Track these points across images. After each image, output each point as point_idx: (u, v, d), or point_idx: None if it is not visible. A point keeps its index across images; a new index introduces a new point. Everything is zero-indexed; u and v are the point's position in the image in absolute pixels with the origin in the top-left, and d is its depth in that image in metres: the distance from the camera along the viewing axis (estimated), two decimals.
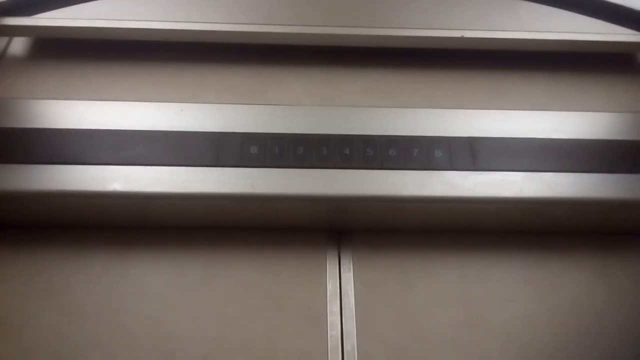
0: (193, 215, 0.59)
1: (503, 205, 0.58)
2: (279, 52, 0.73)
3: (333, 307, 0.56)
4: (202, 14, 0.72)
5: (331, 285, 0.58)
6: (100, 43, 0.72)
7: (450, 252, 0.60)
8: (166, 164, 0.57)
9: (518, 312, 0.57)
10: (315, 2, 0.76)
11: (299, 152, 0.58)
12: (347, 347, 0.54)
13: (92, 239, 0.59)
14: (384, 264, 0.59)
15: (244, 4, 0.74)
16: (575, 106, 0.70)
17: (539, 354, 0.55)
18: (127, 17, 0.70)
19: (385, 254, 0.60)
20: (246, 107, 0.62)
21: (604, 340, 0.56)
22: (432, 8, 0.76)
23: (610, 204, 0.58)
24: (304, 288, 0.57)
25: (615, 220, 0.61)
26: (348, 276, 0.58)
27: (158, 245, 0.59)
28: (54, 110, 0.61)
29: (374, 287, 0.58)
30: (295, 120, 0.61)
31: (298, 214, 0.60)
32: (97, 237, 0.59)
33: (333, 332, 0.55)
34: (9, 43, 0.74)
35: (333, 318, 0.56)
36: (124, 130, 0.59)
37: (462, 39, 0.71)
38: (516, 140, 0.60)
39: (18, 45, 0.74)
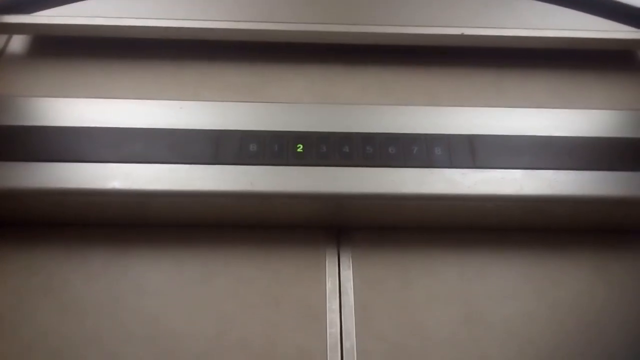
0: (192, 213, 0.59)
1: (503, 202, 0.58)
2: (278, 49, 0.73)
3: (332, 305, 0.56)
4: (202, 11, 0.72)
5: (330, 283, 0.58)
6: (99, 41, 0.72)
7: (449, 250, 0.60)
8: (165, 162, 0.57)
9: (518, 309, 0.57)
10: (315, 0, 0.76)
11: (299, 149, 0.58)
12: (346, 344, 0.54)
13: (92, 236, 0.59)
14: (384, 261, 0.59)
15: (243, 1, 0.74)
16: (575, 104, 0.70)
17: (539, 351, 0.55)
18: (126, 14, 0.70)
19: (384, 252, 0.60)
20: (246, 104, 0.62)
21: (604, 337, 0.56)
22: (432, 5, 0.75)
23: (610, 201, 0.58)
24: (303, 285, 0.57)
25: (615, 217, 0.61)
26: (347, 274, 0.58)
27: (157, 243, 0.59)
28: (53, 108, 0.61)
29: (374, 284, 0.58)
30: (295, 118, 0.61)
31: (297, 212, 0.60)
32: (97, 234, 0.59)
33: (332, 329, 0.55)
34: (8, 41, 0.74)
35: (332, 315, 0.56)
36: (124, 128, 0.59)
37: (462, 36, 0.71)
38: (516, 137, 0.60)
39: (17, 43, 0.74)
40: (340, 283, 0.58)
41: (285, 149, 0.58)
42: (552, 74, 0.73)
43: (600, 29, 0.73)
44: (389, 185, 0.57)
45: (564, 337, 0.56)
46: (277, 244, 0.60)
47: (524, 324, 0.56)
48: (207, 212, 0.59)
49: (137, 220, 0.60)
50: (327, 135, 0.59)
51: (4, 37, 0.74)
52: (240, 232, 0.60)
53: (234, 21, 0.70)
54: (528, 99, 0.70)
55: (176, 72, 0.70)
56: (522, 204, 0.58)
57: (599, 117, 0.64)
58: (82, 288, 0.56)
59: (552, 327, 0.56)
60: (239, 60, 0.72)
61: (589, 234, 0.62)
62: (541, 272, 0.59)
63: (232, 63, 0.72)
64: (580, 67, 0.74)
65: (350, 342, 0.54)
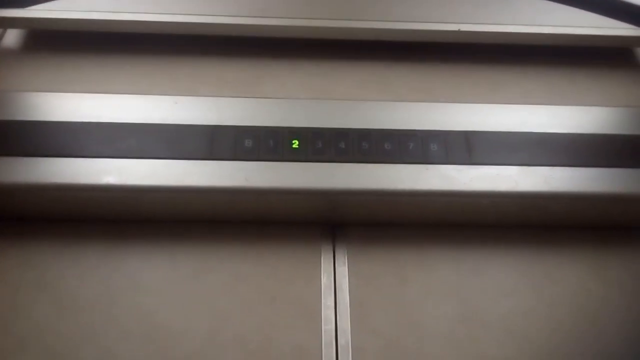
0: (187, 209, 0.59)
1: (498, 199, 0.58)
2: (274, 45, 0.72)
3: (327, 301, 0.56)
4: (197, 6, 0.71)
5: (326, 279, 0.58)
6: (94, 35, 0.71)
7: (445, 246, 0.60)
8: (160, 157, 0.57)
9: (514, 306, 0.57)
10: None
11: (294, 145, 0.58)
12: (341, 341, 0.54)
13: (86, 232, 0.59)
14: (379, 258, 0.59)
15: None
16: (572, 100, 0.70)
17: (535, 348, 0.55)
18: (121, 9, 0.70)
19: (380, 248, 0.60)
20: (241, 100, 0.62)
21: (601, 334, 0.56)
22: (428, 1, 0.75)
23: (607, 198, 0.58)
24: (298, 282, 0.57)
25: (612, 214, 0.61)
26: (343, 270, 0.58)
27: (152, 239, 0.59)
28: (47, 103, 0.61)
29: (369, 281, 0.58)
30: (290, 114, 0.61)
31: (293, 208, 0.59)
32: (91, 230, 0.59)
33: (327, 326, 0.55)
34: (2, 35, 0.74)
35: (327, 312, 0.56)
36: (118, 123, 0.59)
37: (458, 32, 0.71)
38: (512, 134, 0.60)
39: (12, 37, 0.73)
40: (335, 279, 0.58)
41: (281, 145, 0.58)
42: (549, 71, 0.73)
43: (598, 26, 0.73)
44: (384, 181, 0.57)
45: (561, 334, 0.55)
46: (272, 240, 0.59)
47: (521, 321, 0.56)
48: (201, 207, 0.59)
49: (131, 215, 0.60)
50: (323, 131, 0.59)
51: None
52: (235, 228, 0.60)
53: (229, 16, 0.70)
54: (525, 95, 0.70)
55: (171, 67, 0.70)
56: (518, 200, 0.58)
57: (595, 114, 0.63)
58: (76, 283, 0.56)
59: (549, 324, 0.56)
60: (234, 55, 0.72)
61: (585, 230, 0.62)
62: (538, 269, 0.59)
63: (227, 58, 0.71)
64: (577, 64, 0.74)
65: (346, 338, 0.54)
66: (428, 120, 0.61)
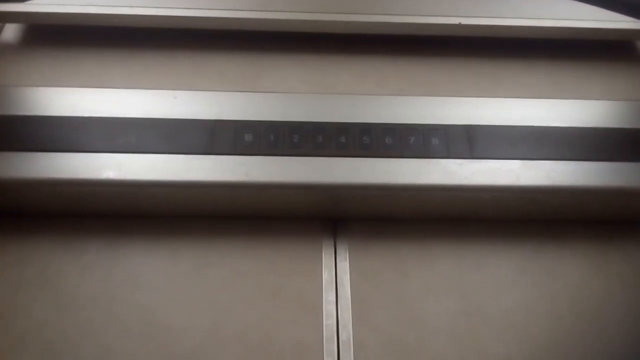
0: (187, 204, 0.59)
1: (500, 193, 0.58)
2: (274, 39, 0.72)
3: (329, 297, 0.56)
4: (196, 0, 0.71)
5: (327, 275, 0.57)
6: (93, 30, 0.71)
7: (446, 241, 0.60)
8: (160, 152, 0.57)
9: (515, 301, 0.57)
10: None
11: (295, 140, 0.58)
12: (342, 336, 0.54)
13: (85, 227, 0.59)
14: (380, 252, 0.59)
15: None
16: (574, 94, 0.70)
17: (536, 343, 0.54)
18: (121, 3, 0.69)
19: (381, 243, 0.60)
20: (241, 94, 0.62)
21: (602, 329, 0.55)
22: None
23: (609, 192, 0.58)
24: (299, 277, 0.57)
25: (614, 208, 0.61)
26: (344, 265, 0.58)
27: (152, 234, 0.59)
28: (46, 98, 0.61)
29: (370, 276, 0.58)
30: (291, 108, 0.61)
31: (293, 203, 0.59)
32: (90, 225, 0.59)
33: (329, 321, 0.55)
34: (1, 29, 0.73)
35: (329, 307, 0.56)
36: (118, 117, 0.59)
37: (459, 26, 0.70)
38: (513, 128, 0.60)
39: (10, 32, 0.73)
40: (336, 275, 0.58)
41: (281, 139, 0.58)
42: (550, 64, 0.73)
43: (599, 19, 0.72)
44: (385, 175, 0.57)
45: (562, 329, 0.55)
46: (273, 235, 0.59)
47: (521, 316, 0.56)
48: (202, 202, 0.59)
49: (131, 211, 0.59)
50: (324, 126, 0.59)
51: None
52: (235, 224, 0.60)
53: (230, 10, 0.70)
54: (526, 89, 0.70)
55: (171, 61, 0.70)
56: (519, 194, 0.58)
57: (597, 107, 0.63)
58: (75, 279, 0.56)
59: (551, 319, 0.56)
60: (235, 49, 0.71)
61: (587, 225, 0.61)
62: (539, 264, 0.59)
63: (227, 52, 0.71)
64: (578, 57, 0.74)
65: (347, 333, 0.54)
66: (429, 115, 0.61)
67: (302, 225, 0.60)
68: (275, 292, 0.56)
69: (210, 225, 0.60)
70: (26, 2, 0.70)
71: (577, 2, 0.75)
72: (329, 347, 0.53)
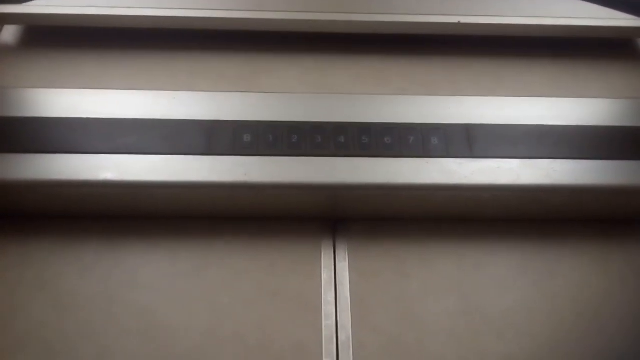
0: (186, 204, 0.59)
1: (500, 192, 0.58)
2: (272, 39, 0.72)
3: (328, 297, 0.56)
4: (195, 0, 0.71)
5: (326, 275, 0.57)
6: (92, 31, 0.71)
7: (446, 241, 0.60)
8: (158, 153, 0.57)
9: (515, 300, 0.57)
10: None
11: (293, 140, 0.58)
12: (342, 337, 0.54)
13: (84, 228, 0.59)
14: (380, 252, 0.59)
15: None
16: (573, 92, 0.69)
17: (537, 342, 0.54)
18: (119, 4, 0.69)
19: (380, 243, 0.59)
20: (239, 95, 0.61)
21: (603, 328, 0.55)
22: None
23: (609, 190, 0.58)
24: (298, 277, 0.57)
25: (614, 207, 0.60)
26: (343, 265, 0.58)
27: (150, 235, 0.59)
28: (45, 99, 0.61)
29: (370, 276, 0.57)
30: (289, 108, 0.60)
31: (292, 203, 0.59)
32: (89, 226, 0.59)
33: (328, 321, 0.55)
34: (0, 31, 0.73)
35: (328, 308, 0.55)
36: (116, 118, 0.59)
37: (458, 24, 0.70)
38: (513, 127, 0.60)
39: (9, 33, 0.73)
40: (336, 275, 0.57)
41: (280, 139, 0.58)
42: (550, 63, 0.73)
43: (599, 17, 0.72)
44: (385, 175, 0.57)
45: (562, 328, 0.55)
46: (272, 236, 0.59)
47: (522, 315, 0.56)
48: (200, 203, 0.59)
49: (130, 212, 0.59)
50: (322, 125, 0.59)
51: None
52: (234, 224, 0.60)
53: (228, 10, 0.70)
54: (525, 87, 0.70)
55: (169, 62, 0.70)
56: (519, 193, 0.58)
57: (597, 105, 0.63)
58: (74, 281, 0.56)
59: (551, 318, 0.56)
60: (233, 50, 0.71)
61: (587, 223, 0.61)
62: (539, 263, 0.59)
63: (225, 53, 0.71)
64: (577, 55, 0.74)
65: (346, 334, 0.54)
66: (428, 114, 0.60)
67: (301, 226, 0.60)
68: (275, 292, 0.56)
69: (209, 226, 0.59)
70: (25, 4, 0.70)
71: (576, 0, 0.75)
72: (328, 348, 0.53)
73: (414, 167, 0.57)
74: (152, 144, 0.57)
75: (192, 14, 0.69)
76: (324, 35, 0.71)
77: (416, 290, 0.57)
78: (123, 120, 0.58)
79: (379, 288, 0.57)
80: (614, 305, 0.57)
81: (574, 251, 0.60)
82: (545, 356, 0.54)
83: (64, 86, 0.64)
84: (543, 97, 0.63)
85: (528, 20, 0.71)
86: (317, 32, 0.71)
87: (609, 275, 0.58)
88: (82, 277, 0.56)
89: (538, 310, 0.56)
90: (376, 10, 0.71)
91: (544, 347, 0.54)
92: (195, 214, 0.60)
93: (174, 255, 0.58)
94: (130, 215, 0.59)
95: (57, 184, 0.55)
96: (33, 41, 0.72)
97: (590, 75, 0.72)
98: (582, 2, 0.74)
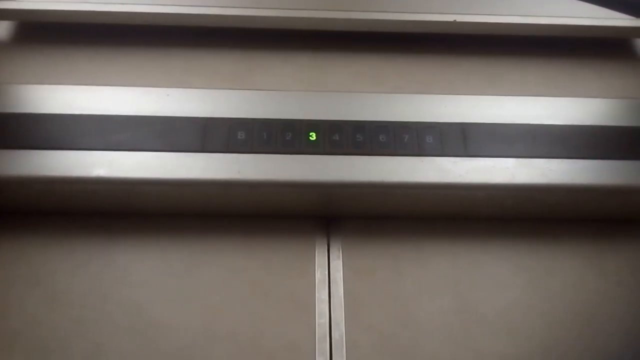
0: (179, 202, 0.58)
1: (495, 191, 0.57)
2: (267, 36, 0.72)
3: (321, 295, 0.56)
4: None
5: (320, 273, 0.57)
6: (85, 27, 0.71)
7: (441, 239, 0.60)
8: (152, 150, 0.56)
9: (510, 299, 0.56)
10: None
11: (287, 138, 0.58)
12: (335, 335, 0.53)
13: (77, 225, 0.59)
14: (374, 251, 0.59)
15: None
16: (569, 92, 0.69)
17: (532, 342, 0.54)
18: (113, 0, 0.69)
19: (374, 241, 0.59)
20: (233, 92, 0.61)
21: (598, 327, 0.55)
22: None
23: (604, 190, 0.58)
24: (292, 276, 0.57)
25: (609, 206, 0.60)
26: (337, 264, 0.58)
27: (143, 232, 0.58)
28: (38, 95, 0.60)
29: (363, 274, 0.57)
30: (284, 106, 0.60)
31: (286, 201, 0.59)
32: (82, 223, 0.59)
33: (321, 320, 0.54)
34: None
35: (321, 306, 0.55)
36: (109, 115, 0.58)
37: (454, 23, 0.70)
38: (508, 126, 0.60)
39: (2, 29, 0.73)
40: (329, 273, 0.57)
41: (274, 137, 0.58)
42: (546, 62, 0.73)
43: (595, 17, 0.72)
44: (379, 173, 0.56)
45: (558, 328, 0.55)
46: (266, 234, 0.59)
47: (516, 314, 0.55)
48: (194, 200, 0.58)
49: (123, 209, 0.59)
50: (317, 123, 0.59)
51: None
52: (228, 222, 0.59)
53: (222, 7, 0.69)
54: (521, 87, 0.70)
55: (163, 58, 0.69)
56: (514, 192, 0.58)
57: (593, 105, 0.63)
58: (67, 278, 0.56)
59: (546, 317, 0.56)
60: (227, 47, 0.71)
61: (582, 223, 0.61)
62: (534, 262, 0.59)
63: (220, 50, 0.71)
64: (574, 55, 0.74)
65: (340, 332, 0.54)
66: (423, 112, 0.60)
67: (295, 224, 0.60)
68: (268, 290, 0.56)
69: (202, 224, 0.59)
70: (18, 0, 0.69)
71: (573, 0, 0.75)
72: (322, 346, 0.53)
73: (409, 166, 0.57)
74: (145, 141, 0.57)
75: (186, 10, 0.69)
76: (319, 32, 0.71)
77: (410, 289, 0.57)
78: (116, 116, 0.58)
79: (373, 286, 0.56)
80: (609, 304, 0.56)
81: (569, 250, 0.59)
82: (540, 355, 0.54)
83: (57, 82, 0.64)
84: (539, 96, 0.63)
85: (524, 20, 0.71)
86: (312, 30, 0.71)
87: (604, 275, 0.58)
88: (75, 274, 0.56)
89: (533, 309, 0.56)
90: (372, 8, 0.71)
91: (539, 346, 0.54)
92: (189, 212, 0.59)
93: (167, 253, 0.57)
94: (124, 212, 0.59)
95: (50, 181, 0.55)
96: (26, 37, 0.72)
97: (586, 75, 0.72)
98: (578, 1, 0.74)
